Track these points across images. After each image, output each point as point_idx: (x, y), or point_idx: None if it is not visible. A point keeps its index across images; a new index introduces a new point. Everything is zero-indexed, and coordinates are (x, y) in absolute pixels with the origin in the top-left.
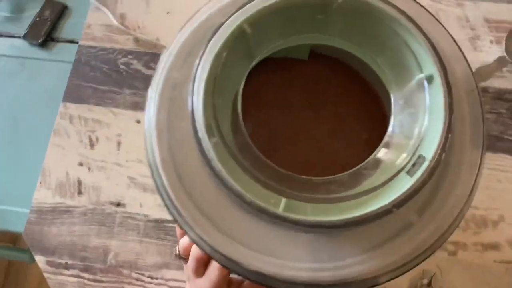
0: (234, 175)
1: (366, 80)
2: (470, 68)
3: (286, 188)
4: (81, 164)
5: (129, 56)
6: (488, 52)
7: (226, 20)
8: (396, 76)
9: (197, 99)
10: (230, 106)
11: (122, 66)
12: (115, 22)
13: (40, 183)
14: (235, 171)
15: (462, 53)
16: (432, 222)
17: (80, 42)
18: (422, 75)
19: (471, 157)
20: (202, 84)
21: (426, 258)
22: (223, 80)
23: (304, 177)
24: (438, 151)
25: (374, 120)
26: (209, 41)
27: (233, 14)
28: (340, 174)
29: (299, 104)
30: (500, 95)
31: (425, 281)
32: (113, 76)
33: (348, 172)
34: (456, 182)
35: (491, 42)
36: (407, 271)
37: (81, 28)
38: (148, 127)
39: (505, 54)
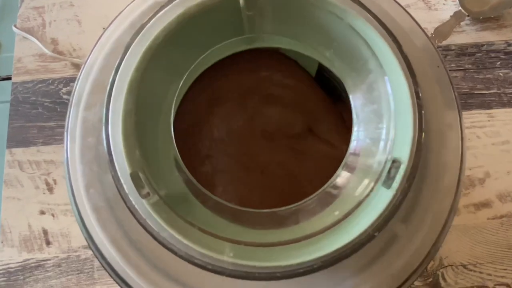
0: (183, 234)
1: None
2: (426, 34)
3: (251, 227)
4: (43, 212)
5: (71, 84)
6: (443, 9)
7: (135, 37)
8: (350, 69)
9: (114, 143)
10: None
11: (65, 96)
12: (46, 50)
13: (1, 242)
14: (184, 230)
15: (415, 21)
16: (424, 221)
17: (13, 79)
18: (377, 65)
19: (449, 121)
20: (119, 123)
21: (428, 263)
22: (147, 105)
23: (267, 210)
24: (414, 149)
25: (341, 127)
26: (118, 67)
27: (143, 27)
28: (306, 199)
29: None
30: (463, 51)
31: None
32: (59, 109)
33: (315, 194)
34: (441, 158)
35: None
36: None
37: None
38: (75, 184)
39: (460, 8)
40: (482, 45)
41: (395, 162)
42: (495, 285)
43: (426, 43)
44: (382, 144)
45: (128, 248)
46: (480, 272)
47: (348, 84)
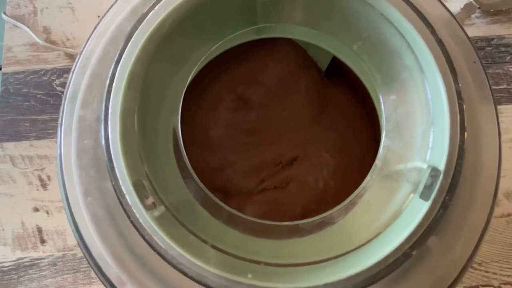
0: (194, 253)
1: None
2: (462, 28)
3: (267, 238)
4: (36, 210)
5: (65, 75)
6: (454, 0)
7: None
8: (380, 64)
9: (114, 148)
10: (171, 134)
11: (59, 88)
12: (38, 40)
13: None
14: (195, 248)
15: (450, 12)
16: (459, 233)
17: (3, 69)
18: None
19: (485, 123)
20: (116, 123)
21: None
22: (150, 103)
23: (288, 223)
24: (455, 156)
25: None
26: (118, 58)
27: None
28: (331, 211)
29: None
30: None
31: None
32: (52, 102)
33: (342, 205)
34: (476, 162)
35: None
36: None
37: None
38: (71, 190)
39: (471, 0)
40: (492, 39)
41: (434, 170)
42: (501, 284)
43: (462, 37)
44: (417, 149)
45: (131, 263)
46: (486, 271)
47: (377, 81)
